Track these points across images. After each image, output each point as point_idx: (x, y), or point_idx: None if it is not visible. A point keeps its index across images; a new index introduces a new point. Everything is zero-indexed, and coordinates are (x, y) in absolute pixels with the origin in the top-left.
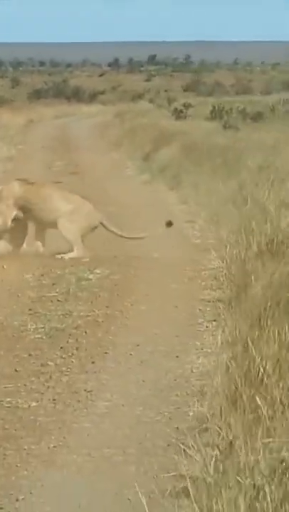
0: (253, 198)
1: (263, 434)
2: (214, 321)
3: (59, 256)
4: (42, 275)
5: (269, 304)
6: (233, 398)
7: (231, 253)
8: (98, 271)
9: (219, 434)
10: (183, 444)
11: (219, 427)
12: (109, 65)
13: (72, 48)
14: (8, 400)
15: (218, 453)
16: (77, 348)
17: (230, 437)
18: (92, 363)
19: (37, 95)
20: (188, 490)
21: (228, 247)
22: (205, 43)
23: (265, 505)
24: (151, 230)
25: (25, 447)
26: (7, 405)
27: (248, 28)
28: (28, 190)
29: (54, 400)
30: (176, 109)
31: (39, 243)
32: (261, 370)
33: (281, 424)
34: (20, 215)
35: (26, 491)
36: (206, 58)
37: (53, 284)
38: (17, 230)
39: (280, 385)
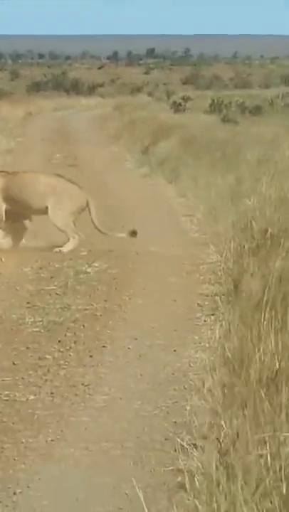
0: (251, 192)
1: (262, 429)
2: (212, 315)
3: (57, 249)
4: (40, 268)
5: (265, 298)
6: (231, 392)
7: (229, 247)
8: (96, 264)
9: (217, 429)
10: (180, 438)
11: (217, 422)
12: (108, 57)
13: (72, 41)
14: (6, 393)
15: (216, 447)
16: (75, 342)
17: (229, 432)
18: (90, 356)
19: (36, 88)
20: (185, 484)
21: (226, 241)
22: (204, 37)
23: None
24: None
25: (23, 440)
26: (5, 398)
27: (247, 22)
28: (10, 180)
29: (52, 393)
30: (174, 102)
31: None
32: (258, 364)
33: (279, 419)
34: (9, 207)
35: (24, 484)
36: (205, 52)
37: (52, 278)
38: (15, 224)
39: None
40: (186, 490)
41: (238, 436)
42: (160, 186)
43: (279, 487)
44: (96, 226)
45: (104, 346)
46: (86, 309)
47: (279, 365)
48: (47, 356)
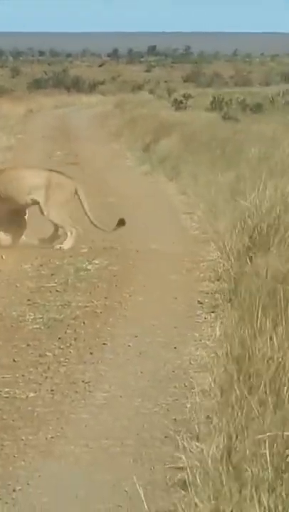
0: (250, 190)
1: (260, 428)
2: (213, 312)
3: (57, 246)
4: (41, 265)
5: (264, 295)
6: (230, 390)
7: (229, 244)
8: (97, 262)
9: (217, 426)
10: (180, 436)
11: (217, 420)
12: (109, 55)
13: (72, 38)
14: (6, 390)
15: (216, 445)
16: (75, 339)
17: (228, 430)
18: (91, 353)
19: (37, 85)
20: (185, 482)
21: (227, 239)
22: (205, 34)
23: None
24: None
25: (23, 438)
26: (5, 395)
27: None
28: None
29: (52, 390)
30: (176, 99)
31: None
32: (258, 362)
33: (276, 417)
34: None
35: (24, 481)
36: (206, 49)
37: (52, 275)
38: (16, 221)
39: (276, 378)
40: (186, 487)
41: (237, 435)
42: (161, 184)
43: (280, 485)
44: (87, 214)
45: (104, 343)
46: (86, 306)
47: (279, 362)
48: (47, 353)
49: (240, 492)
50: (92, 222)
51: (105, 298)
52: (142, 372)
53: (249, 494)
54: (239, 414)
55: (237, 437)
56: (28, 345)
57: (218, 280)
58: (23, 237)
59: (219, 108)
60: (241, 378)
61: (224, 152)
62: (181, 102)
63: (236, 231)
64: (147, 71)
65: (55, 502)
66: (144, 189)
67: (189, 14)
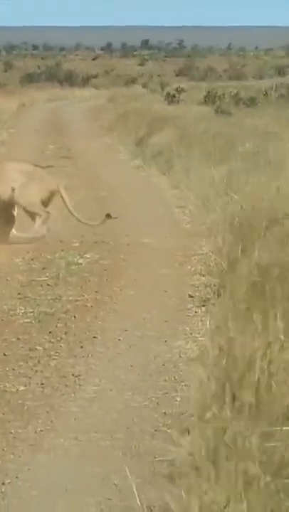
0: (243, 183)
1: (254, 422)
2: (203, 306)
3: (14, 231)
4: (32, 259)
5: (252, 289)
6: (220, 384)
7: (221, 238)
8: (88, 256)
9: (207, 420)
10: (170, 429)
11: (208, 413)
12: (103, 49)
13: (66, 32)
14: None
15: (206, 439)
16: (66, 333)
17: (218, 423)
18: (81, 347)
19: (30, 79)
20: (174, 475)
21: (218, 233)
22: (198, 28)
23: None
24: (104, 219)
25: (12, 431)
26: None
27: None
28: None
29: (42, 384)
30: (169, 93)
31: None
32: (247, 356)
33: (267, 411)
34: None
35: (13, 474)
36: (199, 43)
37: (43, 269)
38: (4, 217)
39: (265, 372)
40: (175, 481)
41: (225, 430)
42: (153, 178)
43: (270, 481)
44: (71, 212)
45: (95, 337)
46: (77, 300)
47: (269, 356)
48: (38, 347)
49: (229, 485)
50: (79, 220)
51: (96, 292)
52: (132, 366)
53: (237, 489)
54: (230, 408)
55: (226, 431)
56: (18, 339)
57: (209, 274)
58: (13, 231)
59: (212, 102)
60: (232, 372)
61: (217, 146)
62: (174, 96)
63: (228, 225)
64: (140, 65)
65: (44, 495)
66: (136, 183)
67: (183, 8)
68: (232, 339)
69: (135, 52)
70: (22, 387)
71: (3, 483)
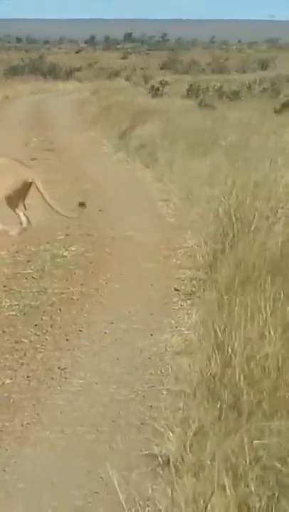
0: (226, 176)
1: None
2: (189, 299)
3: None
4: (17, 252)
5: (237, 282)
6: (205, 376)
7: (205, 232)
8: (73, 248)
9: (192, 415)
10: (156, 422)
11: (193, 407)
12: (86, 42)
13: (49, 25)
14: None
15: (191, 433)
16: (51, 326)
17: (204, 418)
18: (67, 340)
19: (13, 72)
20: (160, 468)
21: (202, 226)
22: (181, 21)
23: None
24: (80, 211)
25: None
26: None
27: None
28: None
29: (28, 377)
30: (152, 86)
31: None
32: (230, 350)
33: (251, 404)
34: None
35: (0, 468)
36: (183, 36)
37: (28, 261)
38: None
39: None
40: (161, 474)
41: (212, 423)
42: (137, 171)
43: (253, 472)
44: (48, 202)
45: (80, 330)
46: (63, 293)
47: (252, 349)
48: (23, 340)
49: (215, 478)
50: (58, 212)
51: (81, 285)
52: (118, 359)
53: (224, 481)
54: (214, 401)
55: (211, 424)
56: (3, 331)
57: (194, 267)
58: None
59: (196, 95)
60: (217, 365)
61: (201, 139)
62: (157, 89)
63: (211, 218)
64: (124, 58)
65: (30, 488)
66: (120, 176)
67: (166, 1)
68: (216, 332)
69: (118, 46)
70: (8, 380)
71: None
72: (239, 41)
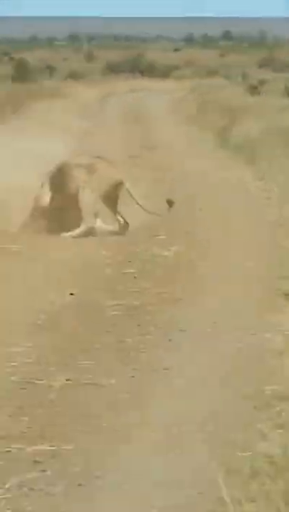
0: None
1: None
2: None
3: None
4: (117, 252)
5: None
6: None
7: None
8: (173, 248)
9: None
10: (261, 423)
11: None
12: (184, 40)
13: (147, 23)
14: (89, 376)
15: None
16: (154, 325)
17: None
18: (169, 340)
19: (111, 70)
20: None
21: None
22: (281, 19)
23: None
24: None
25: (105, 424)
26: (85, 382)
27: None
28: None
29: (132, 377)
30: (250, 85)
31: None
32: None
33: None
34: None
35: (104, 466)
36: (282, 34)
37: (129, 262)
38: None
39: None
40: (264, 475)
41: None
42: (237, 170)
43: None
44: (138, 203)
45: (182, 330)
46: (164, 293)
47: None
48: (127, 339)
49: None
50: (146, 211)
51: (182, 284)
52: (221, 358)
53: None
54: None
55: None
56: (107, 331)
57: None
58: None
59: None
60: None
61: None
62: (255, 87)
63: None
64: (222, 56)
65: (136, 487)
66: (219, 176)
67: None
68: None
69: (217, 44)
70: (113, 381)
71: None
72: None
